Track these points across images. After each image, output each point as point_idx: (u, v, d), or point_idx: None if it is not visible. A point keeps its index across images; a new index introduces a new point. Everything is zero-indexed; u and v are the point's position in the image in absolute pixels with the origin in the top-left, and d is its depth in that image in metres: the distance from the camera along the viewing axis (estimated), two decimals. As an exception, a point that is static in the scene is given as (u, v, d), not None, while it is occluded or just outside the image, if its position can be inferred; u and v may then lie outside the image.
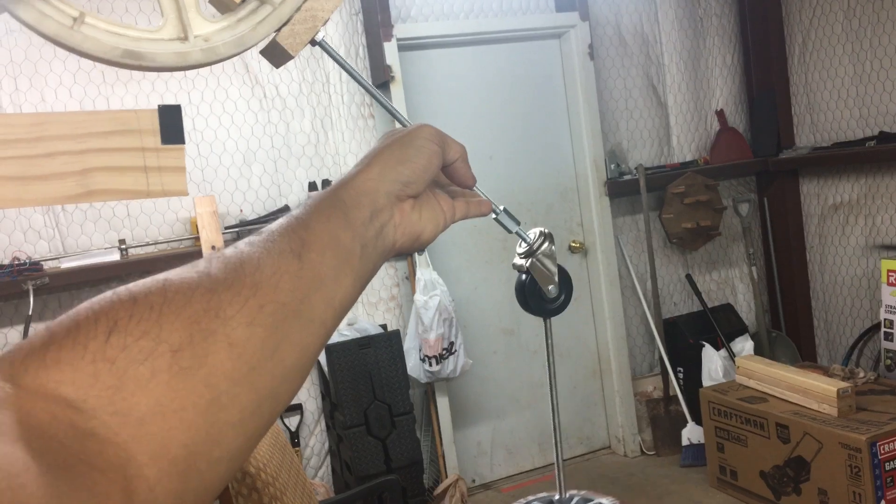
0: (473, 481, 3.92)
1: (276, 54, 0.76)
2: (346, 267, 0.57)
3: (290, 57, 0.78)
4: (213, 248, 3.24)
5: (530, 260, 0.83)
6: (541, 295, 0.85)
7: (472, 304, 3.91)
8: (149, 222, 3.33)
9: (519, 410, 4.05)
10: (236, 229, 3.41)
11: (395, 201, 0.64)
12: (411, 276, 3.71)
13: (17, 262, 3.03)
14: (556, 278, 0.86)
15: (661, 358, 4.08)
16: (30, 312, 3.01)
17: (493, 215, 0.82)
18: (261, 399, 0.49)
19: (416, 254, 3.65)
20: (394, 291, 3.77)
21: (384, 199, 0.62)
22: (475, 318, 3.91)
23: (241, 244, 0.53)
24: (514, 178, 3.99)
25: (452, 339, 3.56)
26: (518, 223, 0.85)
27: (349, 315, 3.64)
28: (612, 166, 4.08)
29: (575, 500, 1.06)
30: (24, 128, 0.81)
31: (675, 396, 4.02)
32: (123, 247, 3.22)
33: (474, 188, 0.76)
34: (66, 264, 3.12)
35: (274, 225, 0.56)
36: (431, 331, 3.50)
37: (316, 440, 3.61)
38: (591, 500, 1.07)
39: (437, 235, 0.70)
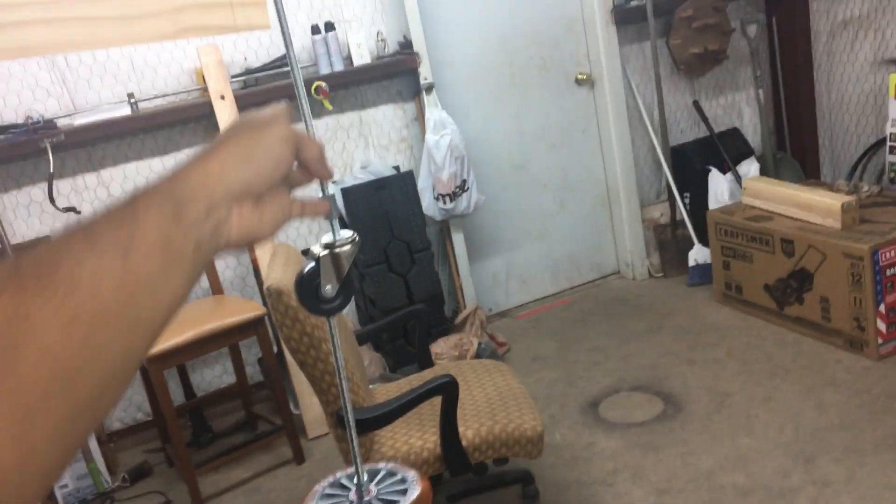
0: (490, 310, 4.12)
1: None
2: (175, 268, 0.52)
3: None
4: (222, 97, 3.24)
5: (327, 252, 0.82)
6: (317, 290, 0.84)
7: (481, 141, 3.94)
8: (154, 75, 3.30)
9: (530, 242, 4.19)
10: (243, 77, 3.39)
11: (233, 201, 0.58)
12: (420, 117, 3.72)
13: (30, 121, 3.05)
14: (338, 283, 0.84)
15: (668, 185, 4.16)
16: (51, 170, 3.06)
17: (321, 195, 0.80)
18: (79, 409, 0.45)
19: (424, 93, 3.64)
20: (403, 133, 3.79)
21: (221, 199, 0.57)
22: (485, 155, 3.96)
23: (61, 238, 0.48)
24: (520, 10, 3.90)
25: (465, 176, 3.62)
26: (338, 215, 0.84)
27: (361, 158, 3.69)
28: (619, -8, 3.97)
29: (382, 472, 1.13)
30: None
31: (682, 221, 4.14)
32: (133, 100, 3.22)
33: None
34: (79, 121, 3.13)
35: (100, 214, 0.50)
36: (444, 169, 3.56)
37: (339, 280, 3.76)
38: (397, 474, 1.15)
39: (275, 233, 0.64)
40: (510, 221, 4.12)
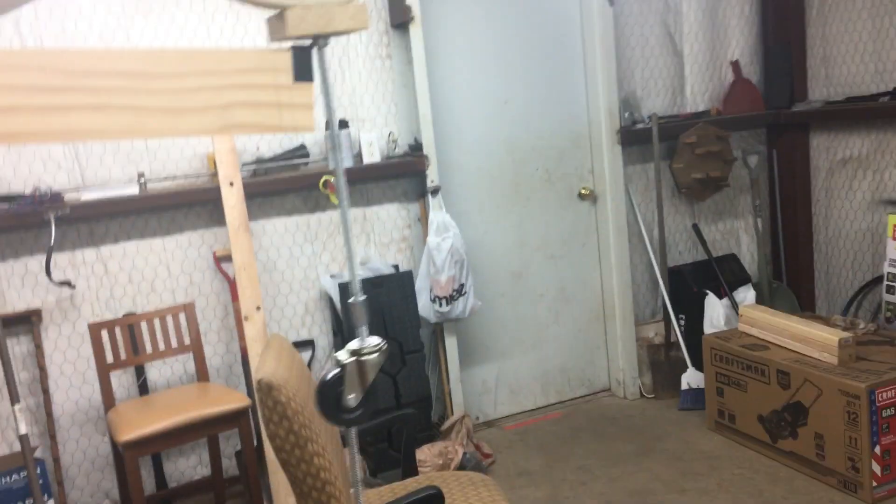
0: (477, 418, 4.04)
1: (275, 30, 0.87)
2: None
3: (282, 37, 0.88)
4: (231, 184, 3.26)
5: (353, 359, 0.80)
6: (339, 399, 0.81)
7: (481, 247, 3.96)
8: (167, 157, 3.35)
9: (523, 352, 4.15)
10: (253, 166, 3.43)
11: None
12: (423, 219, 3.76)
13: (38, 193, 3.06)
14: (362, 393, 0.81)
15: (664, 305, 4.17)
16: (52, 243, 3.05)
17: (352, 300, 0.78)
18: None
19: (429, 196, 3.68)
20: (405, 233, 3.81)
21: None
22: (484, 261, 3.98)
23: None
24: (528, 123, 4.01)
25: (463, 280, 3.63)
26: (367, 321, 0.81)
27: (361, 254, 3.70)
28: (626, 114, 4.09)
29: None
30: (174, 62, 0.84)
31: (676, 342, 4.12)
32: (143, 180, 3.25)
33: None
34: (86, 196, 3.15)
35: None
36: (443, 272, 3.56)
37: (327, 375, 3.69)
38: None
39: None
40: (504, 329, 4.09)
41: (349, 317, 3.40)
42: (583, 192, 4.16)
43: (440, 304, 3.60)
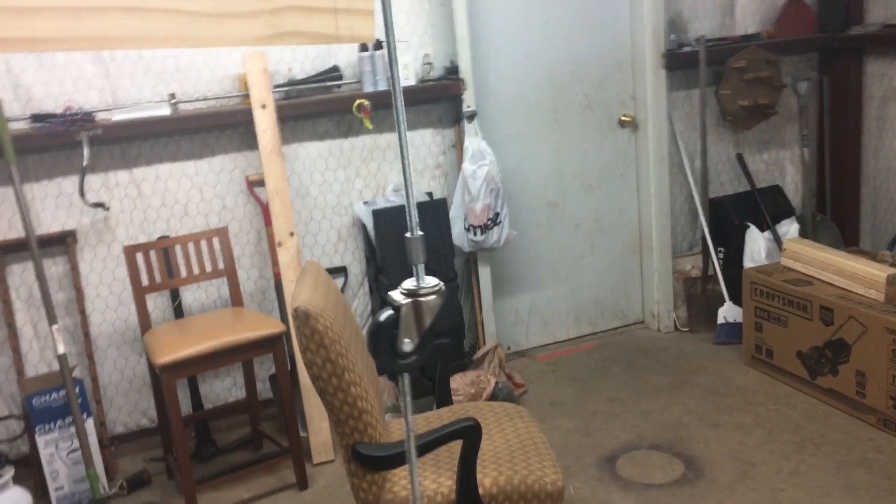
0: (509, 348, 4.03)
1: None
2: None
3: None
4: (263, 106, 3.18)
5: (410, 300, 0.71)
6: (393, 343, 0.73)
7: (518, 176, 3.87)
8: (198, 77, 3.27)
9: (557, 282, 4.09)
10: (285, 88, 3.34)
11: None
12: (458, 145, 3.66)
13: (69, 112, 3.01)
14: (419, 338, 0.73)
15: (703, 237, 4.06)
16: (84, 164, 3.02)
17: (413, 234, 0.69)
18: None
19: (465, 121, 3.58)
20: (440, 159, 3.72)
21: None
22: (520, 190, 3.89)
23: None
24: (569, 46, 3.84)
25: (498, 209, 3.55)
26: (424, 259, 0.73)
27: (394, 181, 3.63)
28: (671, 37, 3.91)
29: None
30: None
31: (714, 276, 4.03)
32: (174, 101, 3.18)
33: None
34: (118, 116, 3.09)
35: None
36: (478, 200, 3.49)
37: (359, 302, 3.68)
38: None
39: None
40: (538, 259, 4.03)
41: (382, 245, 3.36)
42: (623, 119, 4.02)
43: (474, 233, 3.53)
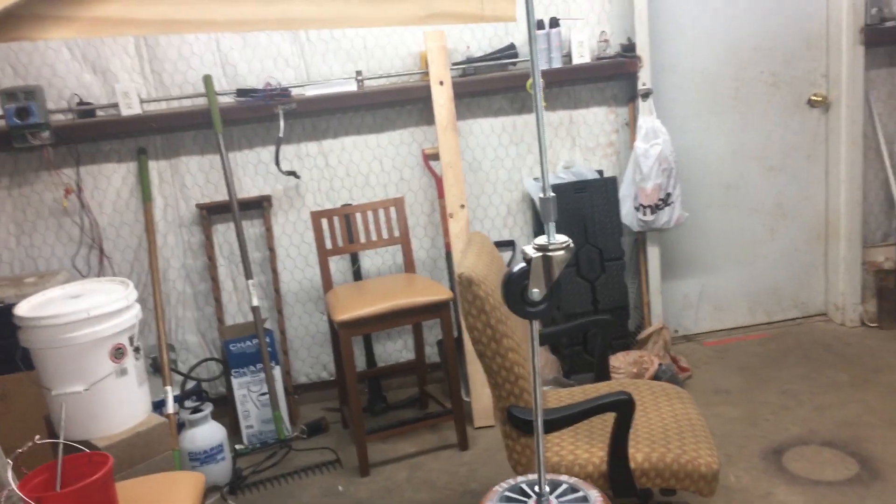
0: (676, 331, 3.95)
1: None
2: None
3: None
4: (441, 83, 3.33)
5: (540, 255, 0.75)
6: (523, 292, 0.76)
7: (692, 155, 3.76)
8: (383, 55, 3.46)
9: (730, 267, 3.95)
10: (463, 66, 3.46)
11: None
12: (631, 123, 3.62)
13: (269, 88, 3.31)
14: (547, 288, 0.76)
15: (899, 227, 3.76)
16: (280, 134, 3.31)
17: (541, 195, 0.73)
18: None
19: (639, 99, 3.53)
20: (612, 137, 3.70)
21: None
22: (695, 170, 3.78)
23: None
24: (753, 21, 3.66)
25: (670, 189, 3.48)
26: (555, 218, 0.75)
27: (565, 158, 3.66)
28: (873, 10, 3.61)
29: (562, 487, 1.03)
30: None
31: (911, 269, 3.72)
32: (360, 77, 3.40)
33: None
34: (310, 92, 3.36)
35: None
36: (649, 180, 3.44)
37: (525, 276, 3.76)
38: (579, 491, 1.03)
39: None
40: (711, 242, 3.91)
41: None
42: (813, 98, 3.78)
43: (645, 213, 3.50)
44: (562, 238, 0.83)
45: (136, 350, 2.53)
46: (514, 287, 0.83)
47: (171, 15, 0.85)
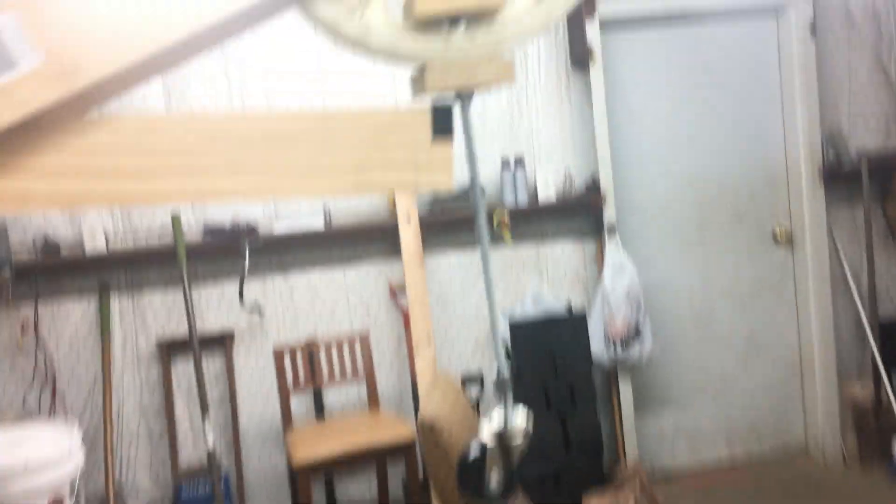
0: (653, 468, 3.82)
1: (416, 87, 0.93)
2: None
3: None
4: (408, 220, 3.36)
5: (495, 445, 0.70)
6: (481, 479, 0.71)
7: (661, 289, 3.77)
8: (351, 192, 3.50)
9: (705, 401, 3.88)
10: (429, 202, 3.50)
11: None
12: (599, 258, 3.65)
13: (236, 225, 3.32)
14: (504, 478, 0.71)
15: (873, 361, 3.72)
16: (245, 271, 3.29)
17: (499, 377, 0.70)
18: None
19: (606, 234, 3.57)
20: (580, 271, 3.72)
21: None
22: (664, 304, 3.78)
23: None
24: (716, 161, 3.78)
25: (639, 323, 3.46)
26: (511, 402, 0.71)
27: (533, 290, 3.65)
28: (829, 152, 3.74)
29: None
30: (313, 123, 0.88)
31: (888, 403, 3.66)
32: (328, 215, 3.42)
33: None
34: (278, 229, 3.36)
35: None
36: (618, 314, 3.43)
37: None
38: None
39: None
40: (684, 376, 3.85)
41: (519, 356, 3.35)
42: (778, 235, 3.84)
43: (614, 347, 3.46)
44: (520, 422, 0.77)
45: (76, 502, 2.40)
46: (470, 475, 0.75)
47: (79, 189, 0.83)
